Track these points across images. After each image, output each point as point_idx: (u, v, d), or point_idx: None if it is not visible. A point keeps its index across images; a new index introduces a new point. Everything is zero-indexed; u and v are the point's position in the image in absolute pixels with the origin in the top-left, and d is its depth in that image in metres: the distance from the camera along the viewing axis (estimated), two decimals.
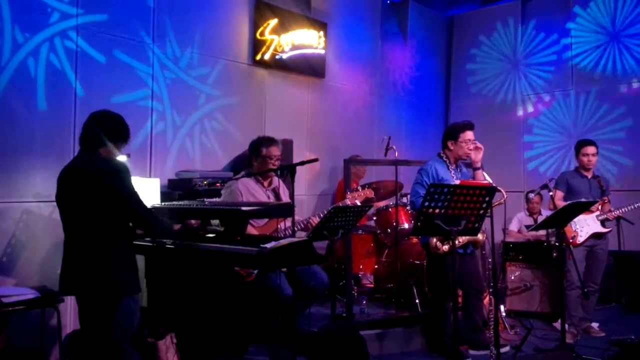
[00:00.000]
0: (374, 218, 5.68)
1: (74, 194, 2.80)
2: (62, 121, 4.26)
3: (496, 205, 4.14)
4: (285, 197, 4.20)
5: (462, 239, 4.13)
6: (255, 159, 4.12)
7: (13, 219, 4.00)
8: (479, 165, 4.24)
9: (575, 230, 4.86)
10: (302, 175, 6.12)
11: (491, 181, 3.99)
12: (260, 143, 4.12)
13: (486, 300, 4.66)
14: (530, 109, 7.67)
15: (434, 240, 4.17)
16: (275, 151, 4.10)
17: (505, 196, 4.07)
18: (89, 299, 2.81)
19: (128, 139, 2.99)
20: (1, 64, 3.95)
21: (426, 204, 3.25)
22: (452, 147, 4.34)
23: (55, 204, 4.13)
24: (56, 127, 4.23)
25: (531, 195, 6.20)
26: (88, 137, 2.89)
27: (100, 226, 2.76)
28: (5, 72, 3.97)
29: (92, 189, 2.73)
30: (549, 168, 7.40)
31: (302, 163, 3.63)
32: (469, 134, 4.29)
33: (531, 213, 6.50)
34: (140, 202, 2.85)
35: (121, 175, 2.78)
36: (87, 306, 2.83)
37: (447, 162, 4.35)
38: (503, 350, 4.19)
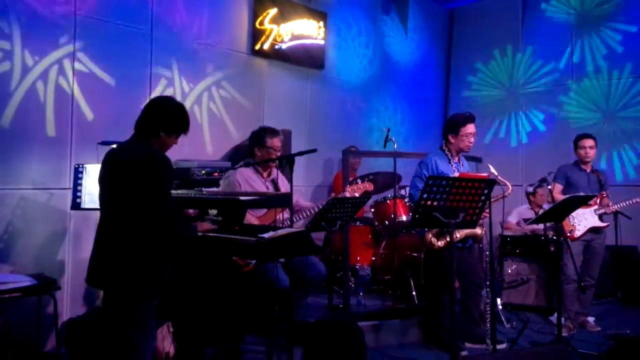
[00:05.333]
0: (372, 210, 5.66)
1: (112, 177, 2.72)
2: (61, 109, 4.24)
3: (500, 197, 4.13)
4: (284, 189, 4.18)
5: (460, 233, 4.11)
6: (259, 149, 4.09)
7: (10, 206, 3.98)
8: None
9: (572, 224, 4.86)
10: (300, 166, 6.11)
11: (496, 173, 3.96)
12: (265, 134, 4.09)
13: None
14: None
15: (429, 235, 4.15)
16: (278, 142, 4.09)
17: (510, 189, 4.06)
18: (111, 295, 2.77)
19: (186, 130, 2.87)
20: None
21: (425, 195, 3.24)
22: (452, 140, 4.31)
23: (52, 191, 4.17)
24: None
25: (529, 189, 6.18)
26: (142, 124, 2.78)
27: (132, 220, 2.64)
28: None
29: (128, 176, 2.65)
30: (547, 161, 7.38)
31: (300, 153, 3.61)
32: (470, 127, 4.26)
33: (534, 206, 6.43)
34: (168, 202, 2.71)
35: (159, 170, 2.66)
36: (110, 300, 2.79)
37: (449, 155, 4.33)
38: (500, 346, 4.19)
